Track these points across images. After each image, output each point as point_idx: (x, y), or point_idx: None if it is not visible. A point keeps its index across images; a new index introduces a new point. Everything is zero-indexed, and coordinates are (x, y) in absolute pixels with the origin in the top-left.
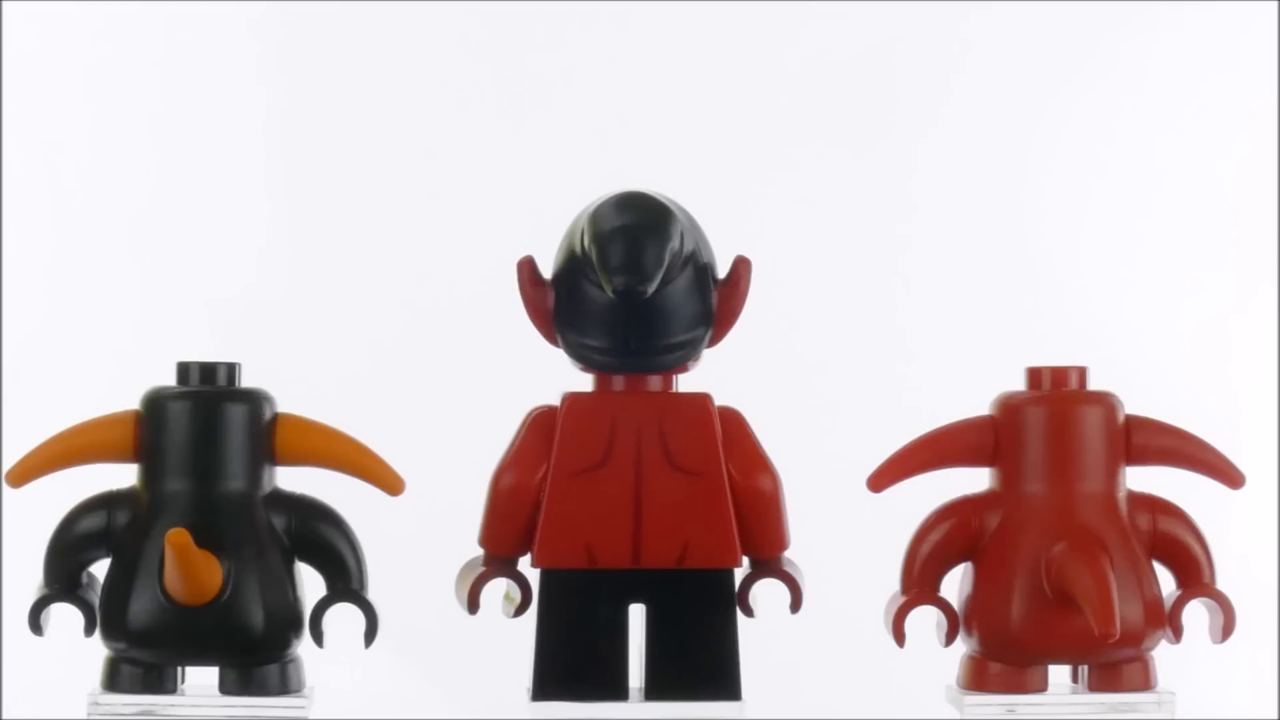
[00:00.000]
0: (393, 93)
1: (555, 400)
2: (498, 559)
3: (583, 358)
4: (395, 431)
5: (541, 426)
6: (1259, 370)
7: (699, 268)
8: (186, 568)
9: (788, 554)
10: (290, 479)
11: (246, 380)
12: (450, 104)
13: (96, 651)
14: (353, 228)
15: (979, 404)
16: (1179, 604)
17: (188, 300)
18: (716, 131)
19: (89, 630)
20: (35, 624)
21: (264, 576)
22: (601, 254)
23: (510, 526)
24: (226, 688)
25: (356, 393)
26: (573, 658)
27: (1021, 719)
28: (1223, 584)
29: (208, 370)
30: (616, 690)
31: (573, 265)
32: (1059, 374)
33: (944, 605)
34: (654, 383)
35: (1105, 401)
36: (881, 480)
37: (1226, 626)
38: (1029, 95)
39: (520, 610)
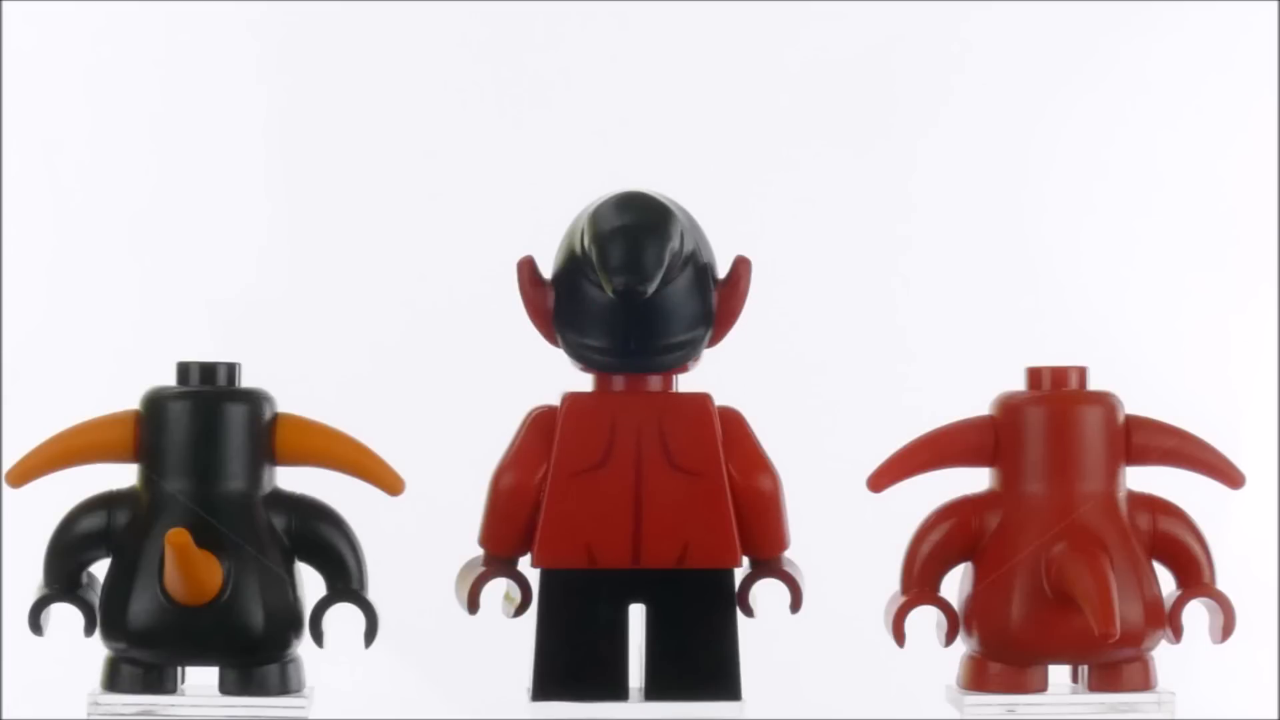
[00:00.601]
0: (392, 93)
1: (555, 400)
2: (498, 559)
3: (583, 358)
4: (395, 431)
5: (541, 426)
6: (1259, 370)
7: (699, 268)
8: (186, 568)
9: (788, 554)
10: (290, 479)
11: (246, 380)
12: (450, 104)
13: (96, 651)
14: (352, 228)
15: (979, 404)
16: (1179, 604)
17: (188, 300)
18: (716, 131)
19: (89, 630)
20: (35, 624)
21: (264, 576)
22: (601, 254)
23: (510, 526)
24: (226, 688)
25: (356, 393)
26: (573, 658)
27: (1021, 719)
28: (1223, 584)
29: (208, 370)
30: (616, 690)
31: (573, 265)
32: (1059, 374)
33: (944, 605)
34: (654, 383)
35: (1105, 401)
36: (881, 480)
37: (1226, 626)
38: (1029, 95)
39: (520, 610)
